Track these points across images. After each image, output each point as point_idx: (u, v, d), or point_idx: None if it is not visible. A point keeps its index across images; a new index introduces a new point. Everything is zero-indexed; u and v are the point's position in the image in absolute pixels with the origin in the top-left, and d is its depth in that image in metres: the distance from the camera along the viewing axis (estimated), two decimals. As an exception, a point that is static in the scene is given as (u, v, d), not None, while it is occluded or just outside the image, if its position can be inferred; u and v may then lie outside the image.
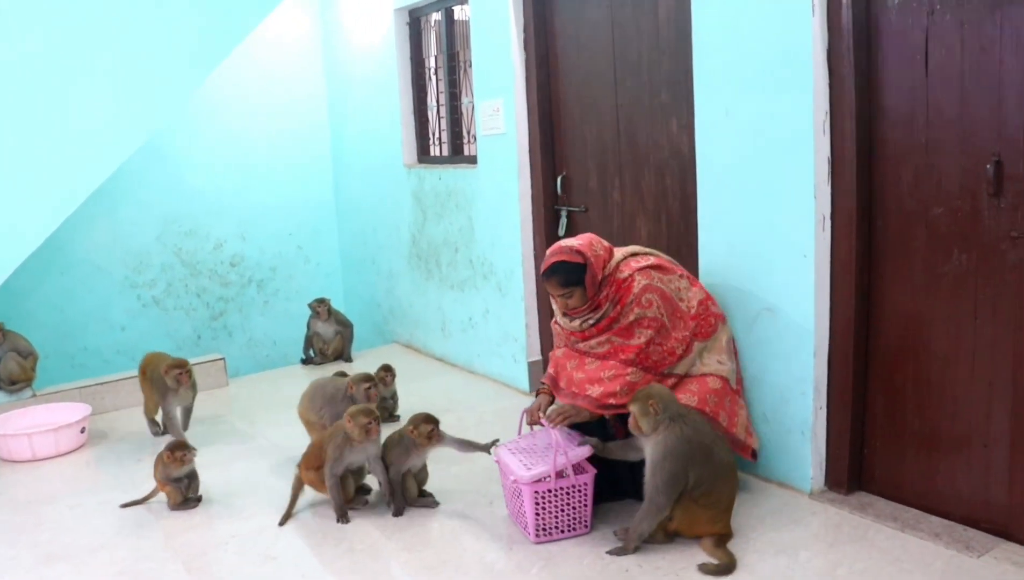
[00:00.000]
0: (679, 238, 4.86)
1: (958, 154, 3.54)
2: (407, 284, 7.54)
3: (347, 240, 8.58)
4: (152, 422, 5.63)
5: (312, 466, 4.23)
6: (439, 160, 7.05)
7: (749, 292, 4.27)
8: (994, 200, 3.44)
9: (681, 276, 4.16)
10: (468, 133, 6.72)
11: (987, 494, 3.63)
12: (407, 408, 5.26)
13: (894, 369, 3.92)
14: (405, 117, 7.23)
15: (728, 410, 4.05)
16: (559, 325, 4.27)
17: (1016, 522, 3.54)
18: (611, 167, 5.31)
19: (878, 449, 4.04)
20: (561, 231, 5.74)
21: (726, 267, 4.37)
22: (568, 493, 3.80)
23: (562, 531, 3.84)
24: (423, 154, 7.27)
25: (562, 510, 3.82)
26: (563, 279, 3.98)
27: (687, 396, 3.94)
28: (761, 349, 4.26)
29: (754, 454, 4.13)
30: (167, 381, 5.21)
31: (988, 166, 3.41)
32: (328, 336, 7.19)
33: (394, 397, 5.63)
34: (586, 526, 3.87)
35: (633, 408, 3.59)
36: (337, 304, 7.73)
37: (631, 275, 4.03)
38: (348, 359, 7.22)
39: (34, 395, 5.93)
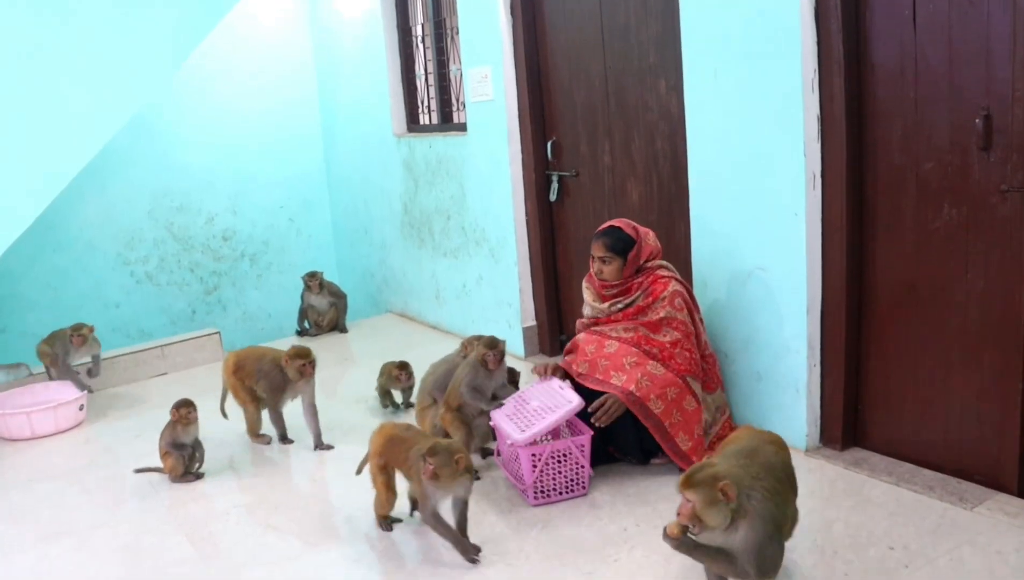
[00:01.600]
0: (670, 199, 4.86)
1: (947, 109, 3.54)
2: (400, 253, 7.54)
3: (339, 211, 8.57)
4: (260, 437, 4.90)
5: (397, 463, 3.61)
6: (429, 128, 7.03)
7: (741, 251, 4.28)
8: (984, 154, 3.44)
9: (702, 321, 4.28)
10: (457, 100, 6.69)
11: (980, 447, 3.66)
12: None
13: (886, 324, 3.94)
14: (393, 86, 7.20)
15: (683, 420, 4.07)
16: (584, 318, 4.41)
17: (1007, 473, 3.58)
18: (601, 131, 5.30)
19: (872, 405, 4.07)
20: (552, 196, 5.74)
21: (718, 227, 4.37)
22: (565, 456, 3.83)
23: (560, 493, 3.87)
24: (412, 123, 7.25)
25: (560, 472, 3.85)
26: (610, 243, 4.15)
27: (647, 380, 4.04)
28: (754, 308, 4.27)
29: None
30: (288, 373, 4.62)
31: (977, 120, 3.41)
32: (322, 308, 7.20)
33: (410, 391, 5.30)
34: (584, 488, 3.90)
35: (693, 497, 2.62)
36: (330, 275, 7.74)
37: (668, 277, 4.18)
38: (343, 330, 7.25)
39: (31, 374, 5.93)
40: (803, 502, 3.65)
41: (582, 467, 3.88)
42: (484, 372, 4.25)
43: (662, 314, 4.09)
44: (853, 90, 3.82)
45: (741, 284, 4.32)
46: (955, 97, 3.50)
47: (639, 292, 4.17)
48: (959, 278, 3.62)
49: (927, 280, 3.74)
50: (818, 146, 3.92)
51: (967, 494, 3.60)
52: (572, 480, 3.88)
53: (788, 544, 2.89)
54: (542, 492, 3.86)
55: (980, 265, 3.54)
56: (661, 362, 4.06)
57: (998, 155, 3.40)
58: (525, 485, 3.85)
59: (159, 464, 4.46)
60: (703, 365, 4.16)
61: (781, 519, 2.73)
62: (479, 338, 4.53)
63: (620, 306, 4.20)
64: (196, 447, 4.47)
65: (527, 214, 5.93)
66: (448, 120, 6.84)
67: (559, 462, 3.84)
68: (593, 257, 4.24)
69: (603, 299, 4.28)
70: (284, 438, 4.84)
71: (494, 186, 6.08)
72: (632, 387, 3.99)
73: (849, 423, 4.13)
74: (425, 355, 5.00)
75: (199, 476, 4.45)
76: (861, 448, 4.13)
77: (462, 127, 6.45)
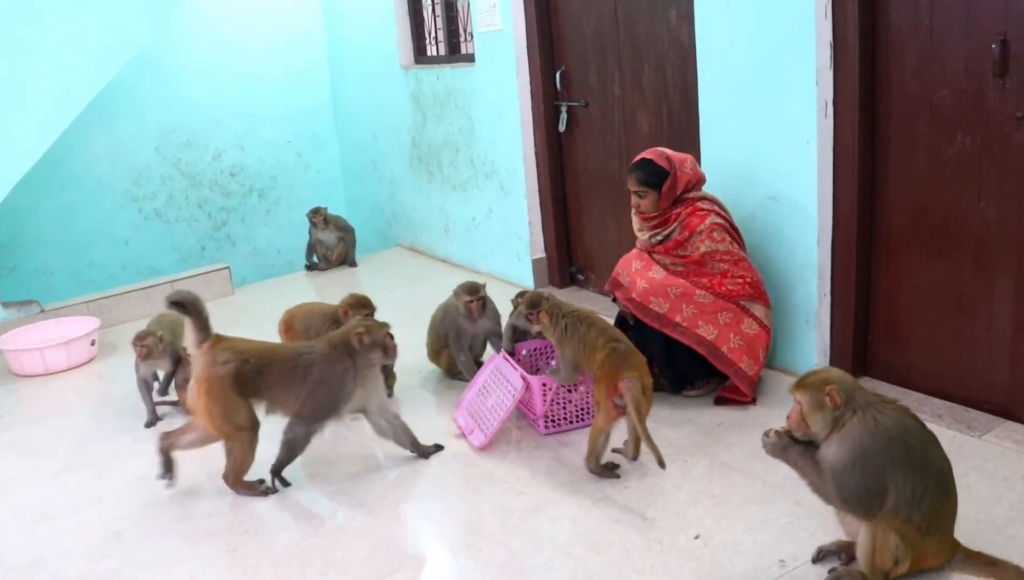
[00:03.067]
0: (681, 130, 4.82)
1: (963, 34, 3.48)
2: (409, 187, 7.51)
3: (347, 145, 8.52)
4: None
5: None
6: (436, 60, 6.95)
7: (752, 181, 4.25)
8: (999, 81, 3.39)
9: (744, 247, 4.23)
10: (465, 31, 6.61)
11: (989, 375, 3.67)
12: (411, 309, 5.28)
13: (898, 254, 3.92)
14: (400, 17, 7.10)
15: (744, 345, 4.05)
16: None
17: (1016, 402, 3.59)
18: (610, 60, 5.23)
19: (882, 334, 4.07)
20: (562, 127, 5.69)
21: (729, 157, 4.34)
22: (576, 386, 3.85)
23: (570, 422, 3.91)
24: (420, 54, 7.17)
25: (570, 402, 3.88)
26: (643, 177, 4.10)
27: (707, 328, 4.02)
28: (765, 238, 4.26)
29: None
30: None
31: (994, 46, 3.35)
32: (330, 242, 7.21)
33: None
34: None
35: (800, 397, 2.63)
36: (339, 210, 7.72)
37: (707, 211, 4.10)
38: (352, 264, 7.27)
39: (42, 311, 5.96)
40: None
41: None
42: (466, 319, 4.30)
43: (703, 250, 4.05)
44: (867, 16, 3.75)
45: (752, 214, 4.29)
46: (971, 23, 3.43)
47: (676, 224, 4.12)
48: (972, 207, 3.59)
49: (939, 209, 3.71)
50: (831, 74, 3.86)
51: (975, 422, 3.62)
52: (582, 410, 3.91)
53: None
54: (553, 422, 3.88)
55: (993, 193, 3.51)
56: (710, 291, 4.04)
57: (1014, 81, 3.34)
58: (537, 415, 3.88)
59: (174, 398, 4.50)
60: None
61: (882, 469, 2.49)
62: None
63: (659, 238, 4.17)
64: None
65: (536, 146, 5.89)
66: (456, 51, 6.76)
67: (569, 392, 3.86)
68: (630, 191, 4.21)
69: (646, 229, 4.26)
70: None
71: (503, 118, 6.03)
72: (678, 318, 4.01)
73: (859, 353, 4.13)
74: (435, 289, 5.00)
75: None
76: (871, 377, 4.14)
77: (470, 58, 6.37)
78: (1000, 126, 3.42)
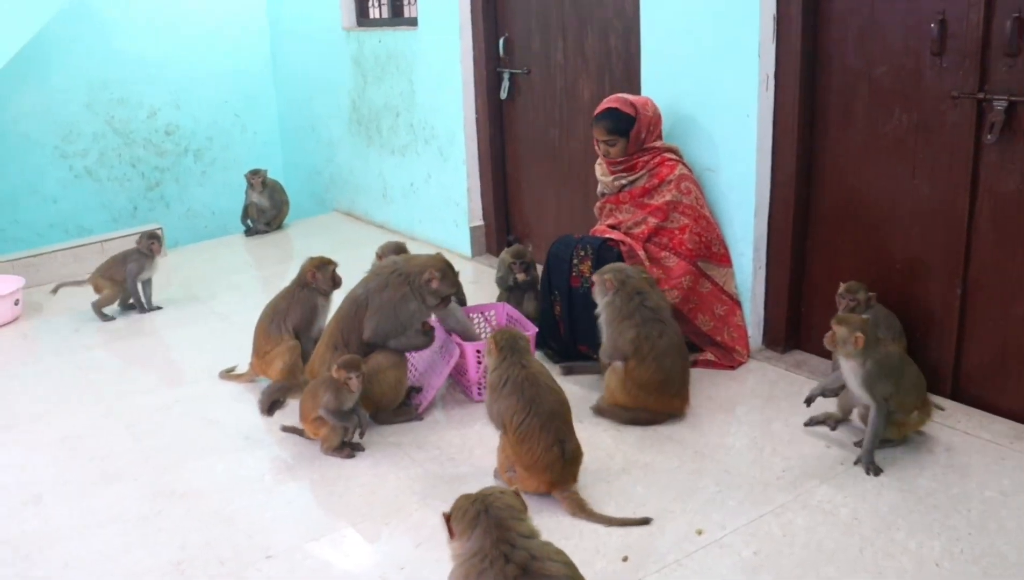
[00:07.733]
0: (622, 100, 4.80)
1: (903, 12, 3.51)
2: (348, 151, 7.41)
3: (285, 107, 8.37)
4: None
5: None
6: (379, 23, 6.86)
7: (691, 153, 4.25)
8: (937, 59, 3.42)
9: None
10: (408, -6, 6.53)
11: (917, 349, 3.70)
12: (346, 275, 5.21)
13: (833, 229, 3.96)
14: (343, -23, 6.99)
15: (699, 303, 4.13)
16: (598, 203, 4.41)
17: (942, 376, 3.67)
18: (554, 28, 5.19)
19: (815, 308, 4.10)
20: (503, 94, 5.64)
21: (669, 128, 4.32)
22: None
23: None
24: (362, 16, 7.06)
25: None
26: (611, 125, 4.12)
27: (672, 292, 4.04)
28: (703, 211, 4.26)
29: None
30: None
31: (932, 25, 3.38)
32: (264, 207, 7.10)
33: None
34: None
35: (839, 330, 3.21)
36: (276, 173, 7.59)
37: (675, 161, 4.15)
38: (279, 226, 7.22)
39: (-35, 267, 5.79)
40: (744, 401, 3.73)
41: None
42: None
43: (668, 197, 4.09)
44: (810, -10, 3.77)
45: (690, 186, 4.30)
46: (912, 1, 3.46)
47: (643, 171, 4.15)
48: (906, 183, 3.63)
49: (874, 184, 3.75)
50: (773, 47, 3.87)
51: (904, 395, 3.67)
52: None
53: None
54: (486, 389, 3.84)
55: (927, 170, 3.55)
56: (672, 251, 4.09)
57: (951, 61, 3.38)
58: (470, 382, 3.86)
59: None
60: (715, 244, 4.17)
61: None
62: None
63: (624, 182, 4.21)
64: (356, 411, 3.51)
65: (477, 112, 5.83)
66: (399, 14, 6.67)
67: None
68: (597, 141, 4.21)
69: (610, 173, 4.28)
70: None
71: (444, 83, 5.96)
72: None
73: (792, 326, 4.17)
74: (372, 254, 4.91)
75: (358, 447, 3.57)
76: (802, 351, 4.19)
77: (413, 21, 6.29)
78: (936, 104, 3.47)
